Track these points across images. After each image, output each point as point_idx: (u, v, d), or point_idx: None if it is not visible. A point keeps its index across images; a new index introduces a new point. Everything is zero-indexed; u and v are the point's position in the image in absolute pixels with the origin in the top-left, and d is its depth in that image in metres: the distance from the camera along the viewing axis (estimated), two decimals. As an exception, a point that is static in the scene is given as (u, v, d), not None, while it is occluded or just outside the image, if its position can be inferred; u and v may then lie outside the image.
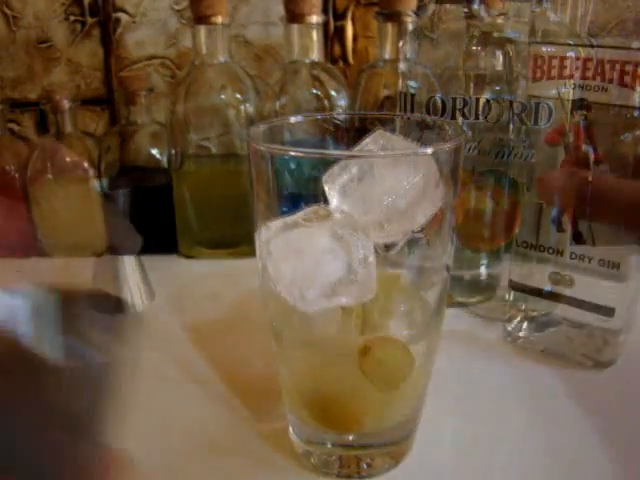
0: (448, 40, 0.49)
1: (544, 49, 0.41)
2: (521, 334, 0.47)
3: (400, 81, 0.50)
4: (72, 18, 0.71)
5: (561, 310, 0.44)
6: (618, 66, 0.38)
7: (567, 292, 0.44)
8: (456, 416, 0.40)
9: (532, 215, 0.45)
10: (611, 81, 0.38)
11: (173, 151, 0.62)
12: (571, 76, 0.40)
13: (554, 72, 0.41)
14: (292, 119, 0.37)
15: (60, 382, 0.17)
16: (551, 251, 0.44)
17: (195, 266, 0.63)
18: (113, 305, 0.20)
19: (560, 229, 0.43)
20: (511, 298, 0.47)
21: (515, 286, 0.46)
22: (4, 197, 0.63)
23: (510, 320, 0.48)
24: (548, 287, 0.44)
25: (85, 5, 0.70)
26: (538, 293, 0.45)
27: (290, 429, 0.37)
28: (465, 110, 0.47)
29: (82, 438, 0.19)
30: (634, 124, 0.38)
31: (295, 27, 0.61)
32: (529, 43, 0.42)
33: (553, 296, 0.44)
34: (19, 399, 0.17)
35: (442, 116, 0.47)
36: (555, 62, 0.41)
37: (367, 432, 0.34)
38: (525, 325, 0.47)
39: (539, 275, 0.45)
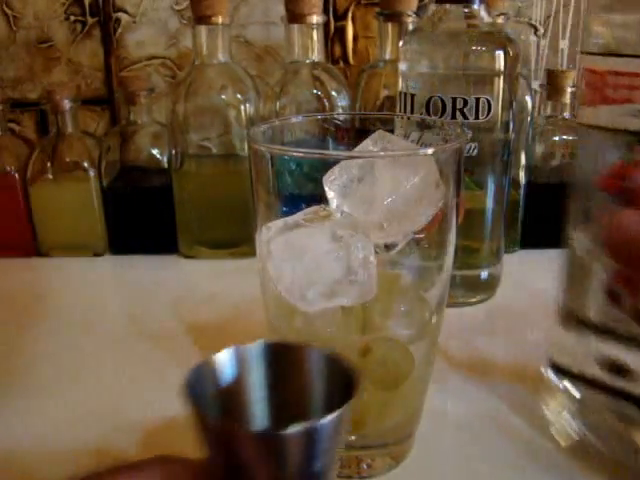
0: (448, 40, 0.49)
1: (600, 62, 0.30)
2: (561, 424, 0.36)
3: (400, 81, 0.50)
4: (72, 18, 0.71)
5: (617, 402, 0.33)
6: None
7: (620, 383, 0.32)
8: (457, 416, 0.40)
9: (578, 275, 0.34)
10: None
11: (173, 151, 0.62)
12: (634, 100, 0.29)
13: (613, 94, 0.29)
14: (292, 119, 0.38)
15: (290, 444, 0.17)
16: (601, 328, 0.33)
17: (195, 266, 0.63)
18: (343, 367, 0.20)
19: (614, 301, 0.31)
20: (550, 376, 0.37)
21: (556, 367, 0.36)
22: (4, 197, 0.63)
23: (548, 404, 0.38)
24: (596, 373, 0.33)
25: (85, 5, 0.70)
26: (583, 379, 0.34)
27: (290, 429, 0.37)
28: (465, 110, 0.47)
29: None
30: None
31: (295, 27, 0.61)
32: (580, 53, 0.35)
33: (601, 386, 0.33)
34: (252, 464, 0.18)
35: (442, 116, 0.47)
36: (615, 80, 0.29)
37: (367, 432, 0.34)
38: (566, 413, 0.36)
39: (586, 356, 0.34)
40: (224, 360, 0.20)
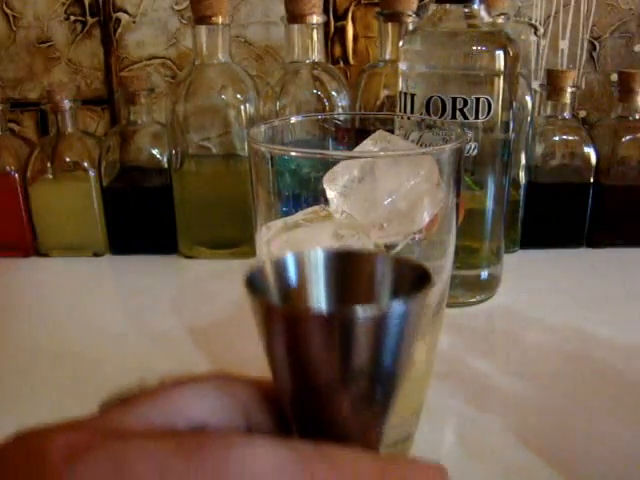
0: (448, 40, 0.49)
1: None
2: None
3: (400, 81, 0.50)
4: (72, 18, 0.71)
5: None
6: None
7: None
8: (457, 416, 0.40)
9: None
10: None
11: (173, 151, 0.62)
12: None
13: None
14: (293, 119, 0.37)
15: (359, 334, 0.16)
16: None
17: (195, 266, 0.63)
18: (411, 266, 0.19)
19: None
20: None
21: None
22: (4, 197, 0.63)
23: None
24: None
25: (85, 5, 0.70)
26: None
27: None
28: (465, 110, 0.47)
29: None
30: None
31: (295, 27, 0.61)
32: None
33: None
34: (321, 357, 0.17)
35: (442, 116, 0.47)
36: None
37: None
38: None
39: None
40: (285, 263, 0.19)
